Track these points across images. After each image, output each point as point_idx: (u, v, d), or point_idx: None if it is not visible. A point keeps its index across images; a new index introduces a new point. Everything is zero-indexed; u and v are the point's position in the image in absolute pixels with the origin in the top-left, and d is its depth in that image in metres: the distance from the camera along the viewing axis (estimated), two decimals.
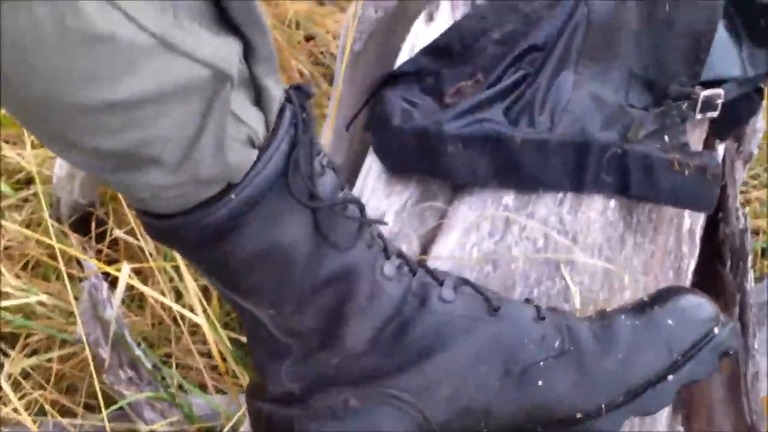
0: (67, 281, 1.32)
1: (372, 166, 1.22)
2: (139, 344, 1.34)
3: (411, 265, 0.94)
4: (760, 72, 1.22)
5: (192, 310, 1.32)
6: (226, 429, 1.25)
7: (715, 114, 1.17)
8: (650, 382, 0.92)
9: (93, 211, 1.68)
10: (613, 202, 1.14)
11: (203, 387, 1.40)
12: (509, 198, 1.14)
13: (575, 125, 1.13)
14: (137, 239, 1.51)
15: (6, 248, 1.58)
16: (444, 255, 1.10)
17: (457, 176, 1.16)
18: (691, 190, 1.12)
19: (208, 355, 1.40)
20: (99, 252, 1.63)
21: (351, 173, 1.26)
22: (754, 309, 1.22)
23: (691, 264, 1.19)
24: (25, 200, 1.70)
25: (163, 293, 1.40)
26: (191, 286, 1.31)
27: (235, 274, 0.84)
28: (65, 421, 1.31)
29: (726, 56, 1.23)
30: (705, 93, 1.15)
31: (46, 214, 1.46)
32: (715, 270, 1.25)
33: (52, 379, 1.40)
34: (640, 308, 0.98)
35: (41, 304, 1.46)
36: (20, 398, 1.35)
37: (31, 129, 0.72)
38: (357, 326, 0.89)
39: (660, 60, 1.17)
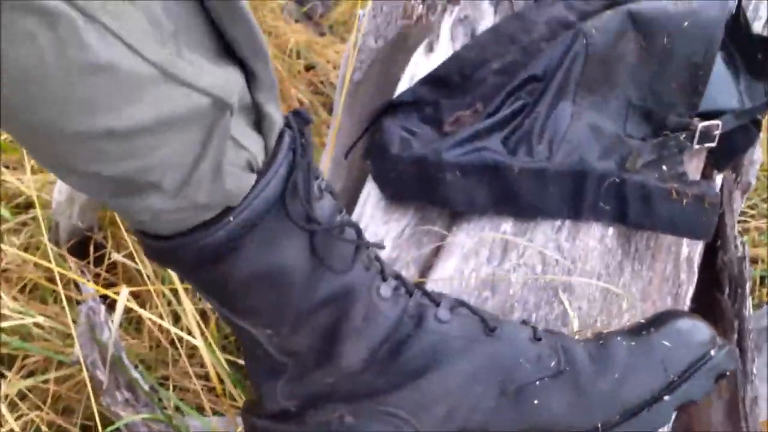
0: (65, 304, 1.32)
1: (371, 193, 1.23)
2: (136, 366, 1.35)
3: (408, 287, 0.95)
4: (757, 104, 1.24)
5: (190, 332, 1.32)
6: None
7: (712, 145, 1.18)
8: (646, 402, 0.93)
9: (92, 235, 1.68)
10: (611, 230, 1.15)
11: (200, 409, 1.39)
12: (507, 225, 1.15)
13: (573, 155, 1.13)
14: (135, 263, 1.51)
15: (4, 271, 1.58)
16: (443, 279, 1.11)
17: (456, 204, 1.16)
18: (688, 218, 1.13)
19: (206, 377, 1.40)
20: (97, 275, 1.63)
21: (349, 200, 1.27)
22: (753, 335, 1.23)
23: (689, 291, 1.20)
24: (24, 224, 1.71)
25: (161, 316, 1.40)
26: (189, 309, 1.31)
27: (232, 294, 0.85)
28: None
29: (724, 88, 1.24)
30: (703, 124, 1.16)
31: (44, 238, 1.47)
32: (714, 297, 1.25)
33: (49, 400, 1.40)
34: (636, 330, 0.99)
35: (38, 326, 1.46)
36: (17, 419, 1.35)
37: (32, 153, 0.73)
38: (353, 346, 0.90)
39: (658, 91, 1.18)
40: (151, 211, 0.75)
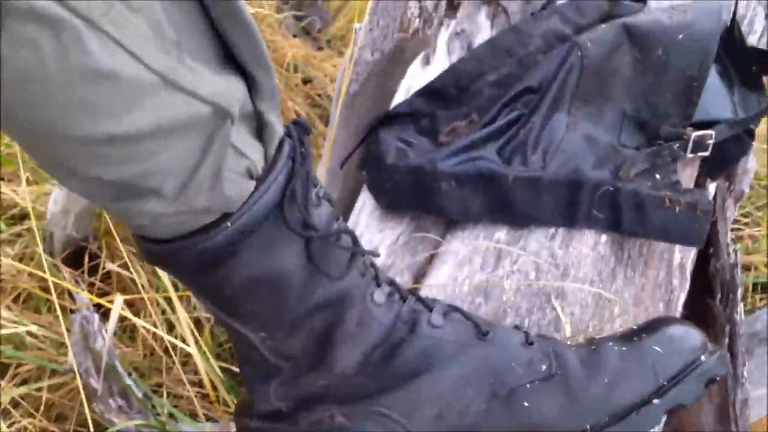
0: (59, 313, 1.32)
1: (366, 202, 1.23)
2: (130, 374, 1.35)
3: (402, 293, 0.95)
4: (750, 114, 1.24)
5: (184, 340, 1.32)
6: None
7: (706, 154, 1.19)
8: (636, 406, 0.94)
9: (86, 245, 1.68)
10: (604, 237, 1.15)
11: (194, 415, 1.39)
12: (501, 233, 1.15)
13: (568, 164, 1.14)
14: (130, 272, 1.51)
15: None
16: (437, 286, 1.11)
17: (451, 213, 1.17)
18: (681, 226, 1.14)
19: (199, 384, 1.39)
20: (91, 285, 1.64)
21: (345, 210, 1.27)
22: (744, 339, 1.23)
23: (681, 297, 1.20)
24: (19, 235, 1.71)
25: (155, 324, 1.40)
26: (183, 317, 1.31)
27: (229, 298, 0.85)
28: None
29: (718, 100, 1.25)
30: (696, 134, 1.17)
31: (39, 249, 1.47)
32: (706, 303, 1.26)
33: (42, 407, 1.39)
34: (628, 336, 0.99)
35: (31, 335, 1.46)
36: (10, 426, 1.35)
37: (33, 156, 0.73)
38: (346, 351, 0.90)
39: (653, 102, 1.19)
40: (151, 216, 0.75)
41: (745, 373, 1.21)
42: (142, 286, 1.47)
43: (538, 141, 1.17)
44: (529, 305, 1.09)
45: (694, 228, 1.14)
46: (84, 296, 1.36)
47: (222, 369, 1.39)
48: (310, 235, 0.84)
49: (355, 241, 0.91)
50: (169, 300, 1.43)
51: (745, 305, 1.29)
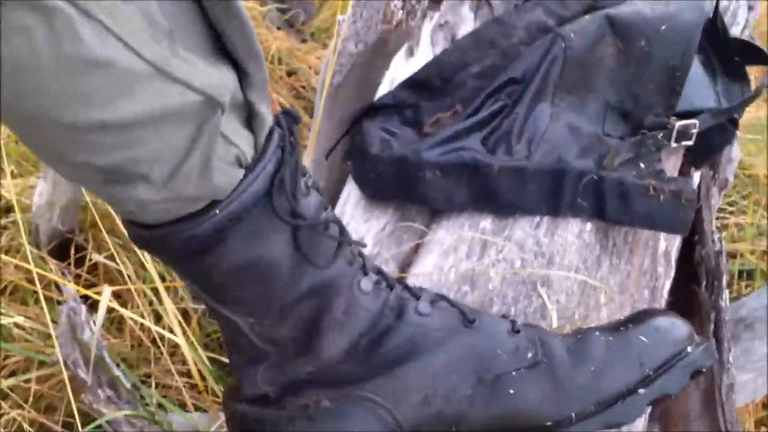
0: (44, 304, 1.33)
1: (351, 193, 1.24)
2: (118, 365, 1.35)
3: (389, 281, 0.96)
4: (734, 104, 1.25)
5: (171, 331, 1.32)
6: None
7: (689, 143, 1.20)
8: (621, 394, 0.95)
9: (72, 237, 1.69)
10: (589, 225, 1.16)
11: (183, 405, 1.40)
12: (486, 222, 1.16)
13: (552, 154, 1.15)
14: (116, 263, 1.52)
15: None
16: (422, 275, 1.12)
17: (435, 203, 1.17)
18: (666, 214, 1.15)
19: (188, 374, 1.40)
20: (78, 276, 1.64)
21: (330, 201, 1.27)
22: (729, 325, 1.24)
23: (666, 284, 1.22)
24: (4, 228, 1.71)
25: (142, 315, 1.41)
26: (170, 308, 1.32)
27: (217, 285, 0.86)
28: None
29: (701, 90, 1.26)
30: (680, 123, 1.18)
31: (25, 241, 1.47)
32: (691, 290, 1.27)
33: (31, 398, 1.40)
34: (615, 326, 1.00)
35: (18, 326, 1.47)
36: None
37: (24, 140, 0.74)
38: (333, 338, 0.91)
39: (636, 93, 1.20)
40: (138, 201, 0.76)
41: (730, 359, 1.22)
42: (129, 277, 1.47)
43: (522, 131, 1.17)
44: (515, 293, 1.10)
45: (679, 216, 1.15)
46: (71, 288, 1.37)
47: (210, 359, 1.39)
48: (298, 224, 0.84)
49: (342, 230, 0.91)
50: (156, 291, 1.43)
51: (730, 293, 1.30)
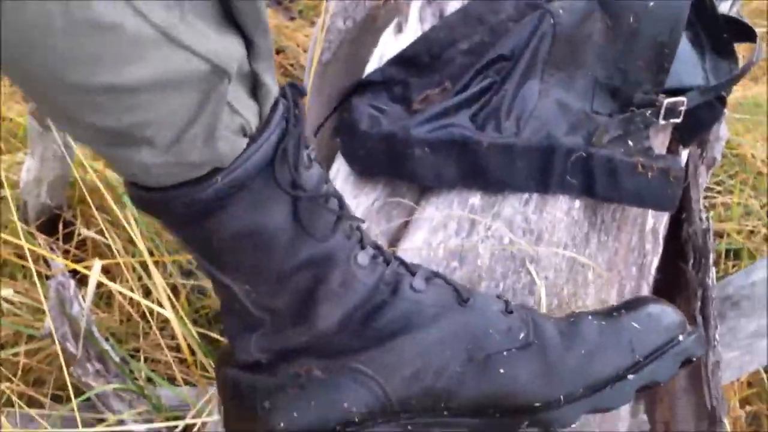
0: (36, 279, 1.33)
1: (340, 169, 1.24)
2: (107, 339, 1.35)
3: (386, 256, 0.96)
4: (722, 81, 1.26)
5: (160, 305, 1.33)
6: (190, 415, 1.27)
7: (678, 120, 1.20)
8: (610, 379, 0.95)
9: (61, 213, 1.69)
10: (578, 203, 1.17)
11: (172, 380, 1.40)
12: (475, 199, 1.16)
13: (541, 130, 1.15)
14: (105, 238, 1.52)
15: None
16: (412, 251, 1.12)
17: (424, 180, 1.18)
18: (654, 191, 1.15)
19: (177, 349, 1.40)
20: (66, 252, 1.64)
21: None
22: (716, 303, 1.25)
23: (654, 261, 1.22)
24: None
25: (131, 290, 1.41)
26: (159, 282, 1.32)
27: (216, 250, 0.86)
28: (33, 411, 1.31)
29: (689, 67, 1.26)
30: (668, 100, 1.18)
31: (14, 216, 1.47)
32: (679, 267, 1.28)
33: (20, 372, 1.40)
34: (608, 312, 1.01)
35: (7, 301, 1.47)
36: None
37: (34, 99, 0.75)
38: (328, 309, 0.91)
39: (624, 69, 1.20)
40: (142, 164, 0.76)
41: (717, 337, 1.22)
42: (118, 251, 1.48)
43: (511, 108, 1.18)
44: (504, 269, 1.10)
45: (667, 193, 1.15)
46: (59, 262, 1.37)
47: (199, 334, 1.40)
48: (298, 195, 0.85)
49: (342, 204, 0.92)
50: (145, 266, 1.43)
51: (717, 272, 1.31)
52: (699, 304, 1.23)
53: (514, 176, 1.15)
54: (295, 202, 0.86)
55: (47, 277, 1.44)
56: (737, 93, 2.29)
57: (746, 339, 1.41)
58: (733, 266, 1.92)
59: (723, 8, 1.43)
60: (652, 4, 1.18)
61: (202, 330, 1.44)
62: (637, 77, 1.20)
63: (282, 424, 0.93)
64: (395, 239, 1.17)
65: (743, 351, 1.42)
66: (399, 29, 1.37)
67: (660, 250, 1.24)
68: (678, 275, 1.28)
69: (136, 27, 0.66)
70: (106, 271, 1.46)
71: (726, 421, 1.21)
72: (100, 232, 1.55)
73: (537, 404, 0.94)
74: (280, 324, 0.92)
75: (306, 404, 0.93)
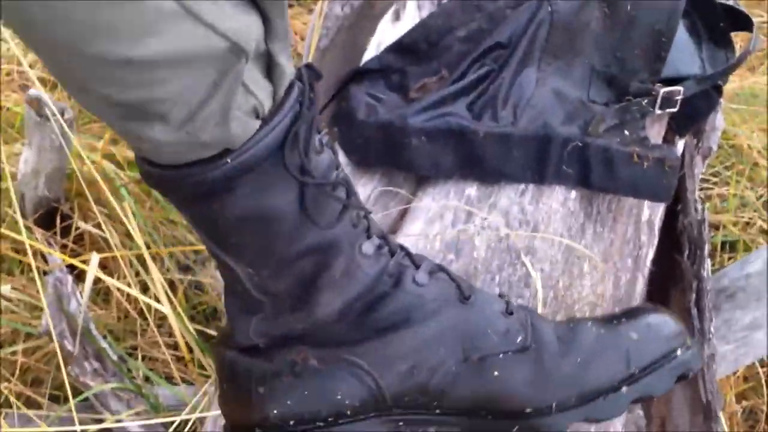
0: (35, 276, 1.32)
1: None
2: (104, 337, 1.35)
3: (391, 247, 0.96)
4: (719, 70, 1.25)
5: (158, 300, 1.32)
6: (185, 412, 1.26)
7: (674, 110, 1.19)
8: (604, 390, 0.95)
9: (58, 206, 1.68)
10: (573, 193, 1.16)
11: (169, 378, 1.40)
12: (472, 189, 1.16)
13: (538, 120, 1.15)
14: (102, 232, 1.51)
15: None
16: (408, 241, 1.11)
17: (421, 169, 1.18)
18: (649, 181, 1.14)
19: (174, 347, 1.40)
20: (64, 246, 1.64)
21: None
22: (711, 295, 1.25)
23: (649, 253, 1.22)
24: None
25: (129, 285, 1.40)
26: (157, 277, 1.32)
27: (221, 231, 0.86)
28: (31, 412, 1.31)
29: (686, 55, 1.26)
30: (665, 90, 1.17)
31: (11, 210, 1.46)
32: (674, 259, 1.27)
33: (17, 371, 1.40)
34: (608, 319, 1.00)
35: (5, 298, 1.46)
36: None
37: (51, 70, 0.74)
38: (329, 297, 0.91)
39: (621, 58, 1.19)
40: (154, 140, 0.76)
41: (712, 329, 1.23)
42: (116, 246, 1.47)
43: (508, 96, 1.17)
44: (500, 261, 1.10)
45: (662, 183, 1.15)
46: (57, 257, 1.36)
47: (197, 332, 1.39)
48: (306, 181, 0.84)
49: (350, 192, 0.91)
50: (142, 260, 1.43)
51: (713, 264, 1.30)
52: (694, 296, 1.23)
53: (511, 166, 1.15)
54: (302, 189, 0.85)
55: (45, 273, 1.43)
56: (734, 83, 2.27)
57: (741, 331, 1.41)
58: (729, 258, 1.92)
59: None
60: None
61: (199, 327, 1.43)
62: (634, 65, 1.19)
63: (275, 411, 0.93)
64: (392, 230, 1.16)
65: (738, 343, 1.42)
66: (397, 17, 1.37)
67: (655, 241, 1.24)
68: (673, 267, 1.28)
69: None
70: (103, 266, 1.46)
71: (722, 416, 1.21)
72: (98, 226, 1.54)
73: (528, 410, 0.94)
74: (280, 309, 0.92)
75: (300, 393, 0.93)
